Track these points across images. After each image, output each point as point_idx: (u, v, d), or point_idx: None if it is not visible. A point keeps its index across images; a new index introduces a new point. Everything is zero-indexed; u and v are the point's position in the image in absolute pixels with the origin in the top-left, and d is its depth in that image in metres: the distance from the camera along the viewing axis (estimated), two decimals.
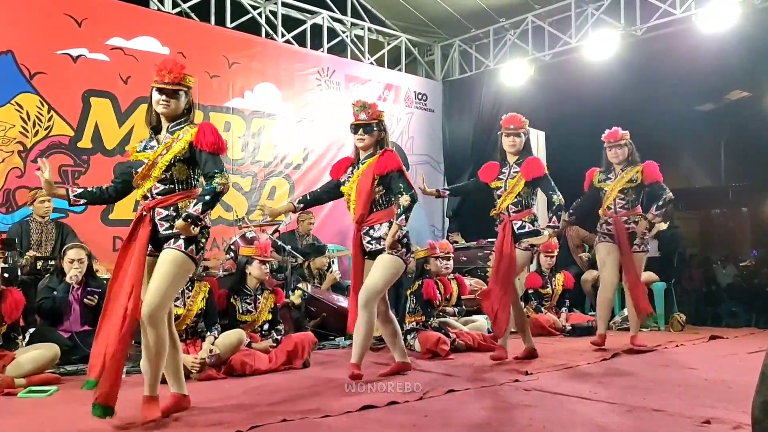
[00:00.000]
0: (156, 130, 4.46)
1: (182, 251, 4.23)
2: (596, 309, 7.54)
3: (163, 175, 4.29)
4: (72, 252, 6.53)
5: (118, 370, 4.06)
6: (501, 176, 6.53)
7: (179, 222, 4.18)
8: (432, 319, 7.27)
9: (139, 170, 4.34)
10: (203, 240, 4.36)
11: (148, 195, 4.33)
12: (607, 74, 10.44)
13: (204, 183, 4.36)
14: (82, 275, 6.49)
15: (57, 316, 6.41)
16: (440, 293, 7.45)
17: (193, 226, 4.18)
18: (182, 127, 4.38)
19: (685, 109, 10.22)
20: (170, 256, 4.23)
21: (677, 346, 7.43)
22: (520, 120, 6.51)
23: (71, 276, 6.40)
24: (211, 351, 5.78)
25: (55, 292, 6.40)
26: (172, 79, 4.33)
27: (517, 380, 5.47)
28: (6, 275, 6.03)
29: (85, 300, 6.45)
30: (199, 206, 4.21)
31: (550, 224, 6.37)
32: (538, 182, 6.40)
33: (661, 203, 7.01)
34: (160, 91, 4.35)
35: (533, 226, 6.44)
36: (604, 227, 7.23)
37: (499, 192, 6.53)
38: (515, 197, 6.41)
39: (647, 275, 9.03)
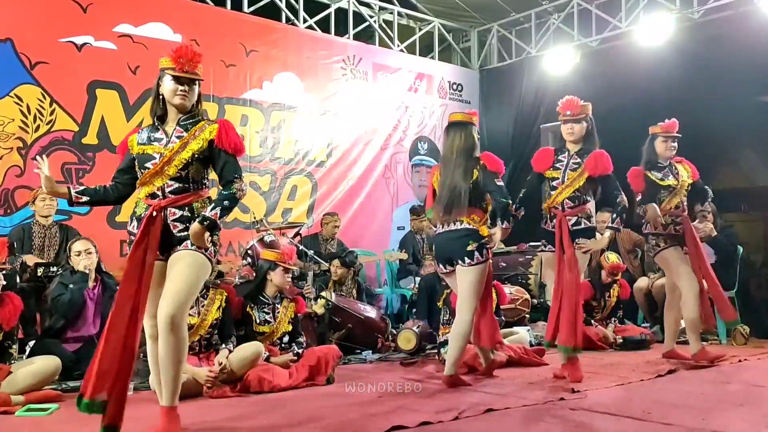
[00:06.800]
0: (160, 120, 4.44)
1: (202, 252, 4.27)
2: (687, 325, 7.09)
3: (179, 173, 4.31)
4: (78, 244, 6.56)
5: (125, 388, 4.06)
6: (558, 165, 6.36)
7: (195, 225, 4.20)
8: None
9: (148, 165, 4.32)
10: (216, 238, 4.38)
11: (159, 193, 4.31)
12: (660, 62, 10.29)
13: (220, 185, 4.40)
14: (95, 271, 6.54)
15: (77, 311, 6.40)
16: None
17: (207, 233, 4.22)
18: (196, 121, 4.41)
19: (747, 100, 10.00)
20: (188, 256, 4.25)
21: (740, 360, 7.28)
22: (578, 104, 6.37)
23: (85, 265, 6.41)
24: (221, 364, 5.73)
25: (71, 285, 6.38)
26: (191, 68, 4.35)
27: (562, 398, 5.38)
28: (4, 282, 6.03)
29: None
30: (217, 211, 4.25)
31: (612, 225, 6.22)
32: (602, 180, 6.25)
33: (710, 199, 7.13)
34: (178, 80, 4.33)
35: (589, 222, 6.28)
36: (671, 228, 6.94)
37: (554, 183, 6.34)
38: (573, 191, 6.25)
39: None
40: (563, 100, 6.45)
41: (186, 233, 4.26)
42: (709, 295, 6.94)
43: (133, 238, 4.32)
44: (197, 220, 4.23)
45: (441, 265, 6.25)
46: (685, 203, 7.04)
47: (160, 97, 4.40)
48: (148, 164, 4.31)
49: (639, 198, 7.02)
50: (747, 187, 10.89)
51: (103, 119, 8.73)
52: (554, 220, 6.31)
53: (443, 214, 6.03)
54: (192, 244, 4.24)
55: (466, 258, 5.88)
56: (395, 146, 11.87)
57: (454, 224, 5.97)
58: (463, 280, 5.94)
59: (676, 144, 7.05)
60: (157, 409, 4.34)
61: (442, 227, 6.10)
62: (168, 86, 4.34)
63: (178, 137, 4.33)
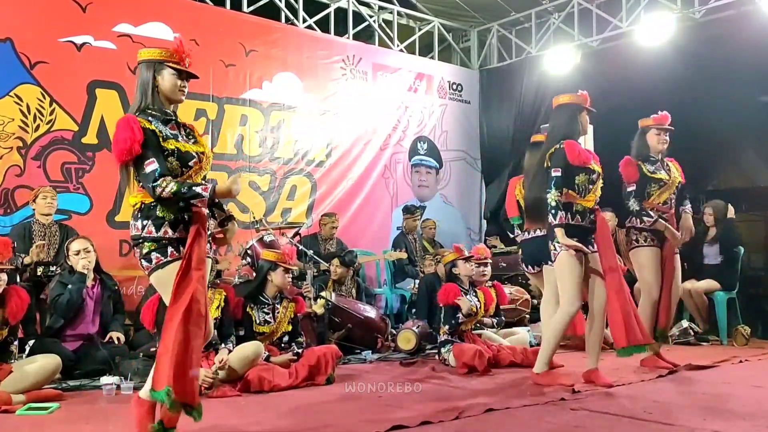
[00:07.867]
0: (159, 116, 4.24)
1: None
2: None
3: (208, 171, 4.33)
4: (75, 243, 6.61)
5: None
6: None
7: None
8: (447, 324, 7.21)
9: (191, 163, 4.14)
10: None
11: None
12: (661, 62, 10.27)
13: None
14: (93, 270, 6.62)
15: (76, 311, 6.48)
16: (479, 302, 7.35)
17: None
18: (182, 123, 4.39)
19: (748, 99, 10.00)
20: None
21: (741, 361, 7.30)
22: None
23: (83, 265, 6.47)
24: (221, 361, 5.75)
25: (70, 285, 6.43)
26: (190, 64, 4.31)
27: (563, 399, 5.39)
28: (6, 285, 6.04)
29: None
30: None
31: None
32: None
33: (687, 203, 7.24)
34: (181, 75, 4.26)
35: None
36: (657, 224, 6.90)
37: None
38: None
39: (707, 283, 8.89)
40: (584, 93, 6.50)
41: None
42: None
43: (166, 242, 4.00)
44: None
45: (529, 267, 6.83)
46: (674, 201, 7.04)
47: (156, 89, 4.29)
48: (190, 162, 4.14)
49: (629, 189, 6.97)
50: (747, 187, 10.89)
51: (102, 119, 8.69)
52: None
53: (530, 222, 6.57)
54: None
55: (549, 261, 6.33)
56: (395, 146, 11.86)
57: (541, 231, 6.41)
58: (554, 278, 6.31)
59: (668, 138, 7.03)
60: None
61: (529, 234, 6.69)
62: (171, 80, 4.25)
63: (187, 135, 4.29)
